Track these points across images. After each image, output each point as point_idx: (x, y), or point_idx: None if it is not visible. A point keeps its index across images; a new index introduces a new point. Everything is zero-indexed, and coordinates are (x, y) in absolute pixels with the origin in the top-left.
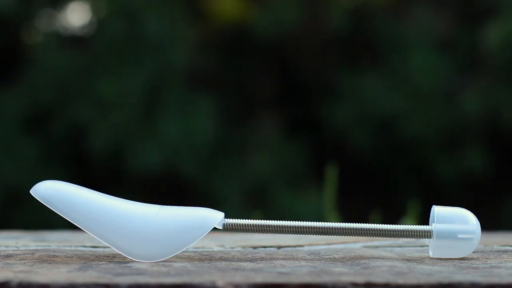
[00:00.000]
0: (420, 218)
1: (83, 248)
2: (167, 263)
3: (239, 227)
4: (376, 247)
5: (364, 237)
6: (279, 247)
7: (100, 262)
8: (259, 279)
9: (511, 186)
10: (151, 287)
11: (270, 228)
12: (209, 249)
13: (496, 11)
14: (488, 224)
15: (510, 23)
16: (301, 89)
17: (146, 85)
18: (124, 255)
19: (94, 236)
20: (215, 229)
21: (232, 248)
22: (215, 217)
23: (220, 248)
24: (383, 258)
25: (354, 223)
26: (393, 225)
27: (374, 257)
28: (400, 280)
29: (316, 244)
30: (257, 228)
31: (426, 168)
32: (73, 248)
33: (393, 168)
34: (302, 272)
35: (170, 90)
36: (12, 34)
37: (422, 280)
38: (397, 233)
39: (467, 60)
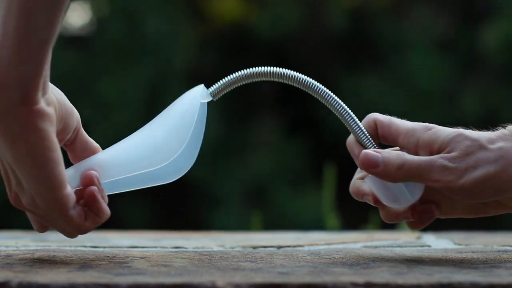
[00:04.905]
0: None
1: (83, 248)
2: (167, 263)
3: (225, 87)
4: (376, 247)
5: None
6: (279, 247)
7: (100, 262)
8: (259, 279)
9: None
10: (151, 287)
11: (252, 75)
12: (209, 249)
13: (495, 12)
14: (488, 224)
15: (508, 24)
16: (301, 89)
17: (147, 85)
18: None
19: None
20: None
21: (232, 248)
22: (197, 92)
23: (220, 248)
24: (383, 258)
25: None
26: None
27: (374, 257)
28: (400, 280)
29: (316, 244)
30: (240, 78)
31: None
32: (73, 248)
33: None
34: (302, 272)
35: (171, 89)
36: None
37: (422, 280)
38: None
39: (466, 60)
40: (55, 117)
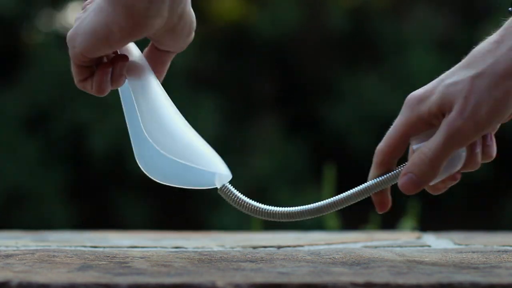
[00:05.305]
0: (420, 218)
1: (83, 248)
2: (167, 263)
3: (232, 199)
4: (376, 247)
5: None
6: (279, 247)
7: (100, 262)
8: (259, 279)
9: (511, 186)
10: (151, 287)
11: (261, 213)
12: (209, 249)
13: (495, 12)
14: (488, 224)
15: None
16: (301, 89)
17: None
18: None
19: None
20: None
21: (232, 248)
22: (223, 177)
23: (220, 248)
24: (383, 258)
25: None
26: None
27: (374, 257)
28: (400, 280)
29: (316, 244)
30: (247, 208)
31: None
32: (73, 248)
33: None
34: (302, 272)
35: (171, 90)
36: (12, 34)
37: (422, 280)
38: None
39: None
40: (143, 36)
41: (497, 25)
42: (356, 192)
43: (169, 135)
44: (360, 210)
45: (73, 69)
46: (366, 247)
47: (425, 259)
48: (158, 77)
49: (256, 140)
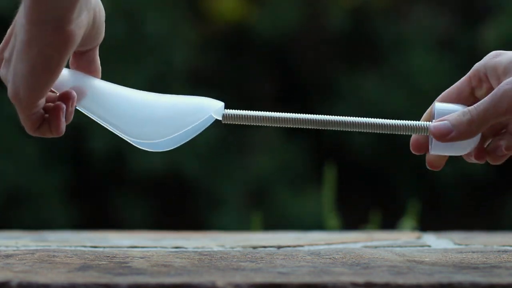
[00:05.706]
0: (420, 218)
1: (83, 248)
2: (167, 263)
3: (239, 118)
4: (376, 247)
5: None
6: (279, 247)
7: (100, 262)
8: (259, 279)
9: (511, 186)
10: (151, 287)
11: (271, 120)
12: (209, 249)
13: (496, 11)
14: (488, 224)
15: (509, 23)
16: (301, 89)
17: (147, 85)
18: (124, 136)
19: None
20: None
21: (232, 248)
22: (214, 105)
23: (220, 248)
24: (383, 258)
25: (353, 117)
26: (393, 120)
27: (374, 257)
28: (400, 280)
29: (316, 244)
30: (258, 119)
31: (426, 168)
32: (73, 248)
33: (393, 169)
34: (302, 272)
35: (171, 90)
36: None
37: (422, 280)
38: (396, 127)
39: (467, 60)
40: (79, 40)
41: (497, 25)
42: (376, 123)
43: (147, 121)
44: (360, 210)
45: (25, 122)
46: (366, 247)
47: (425, 259)
48: (96, 76)
49: (256, 140)
